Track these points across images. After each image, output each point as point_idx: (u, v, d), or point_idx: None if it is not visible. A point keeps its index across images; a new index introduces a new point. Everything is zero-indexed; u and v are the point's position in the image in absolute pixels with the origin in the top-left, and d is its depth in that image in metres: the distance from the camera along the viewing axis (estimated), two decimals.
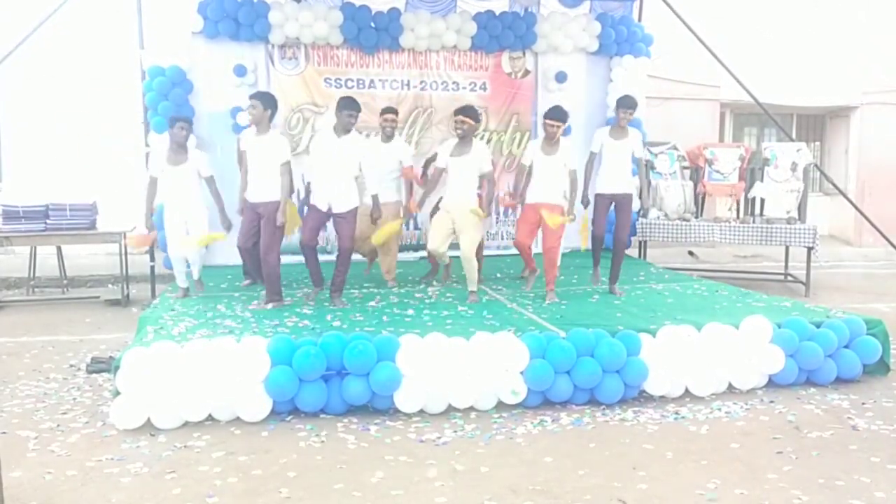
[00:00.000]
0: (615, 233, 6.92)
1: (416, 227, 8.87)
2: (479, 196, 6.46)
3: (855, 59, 12.71)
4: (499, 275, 7.58)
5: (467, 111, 6.20)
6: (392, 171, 6.95)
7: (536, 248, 6.74)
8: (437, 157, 6.46)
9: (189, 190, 6.28)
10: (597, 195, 6.75)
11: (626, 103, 6.61)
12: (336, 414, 4.54)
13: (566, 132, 7.64)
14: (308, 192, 6.68)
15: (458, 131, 6.15)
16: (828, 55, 12.53)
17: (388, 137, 7.02)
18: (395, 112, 7.14)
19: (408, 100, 8.83)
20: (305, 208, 6.52)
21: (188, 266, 6.63)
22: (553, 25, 9.06)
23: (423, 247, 7.90)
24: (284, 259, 6.23)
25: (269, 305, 6.00)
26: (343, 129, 6.00)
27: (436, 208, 6.72)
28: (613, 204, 6.74)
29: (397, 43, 8.71)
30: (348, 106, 5.98)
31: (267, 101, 5.97)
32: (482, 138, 8.89)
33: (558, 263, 6.57)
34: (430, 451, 4.03)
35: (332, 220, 6.16)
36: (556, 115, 6.18)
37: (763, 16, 12.12)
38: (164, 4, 8.02)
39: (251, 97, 6.05)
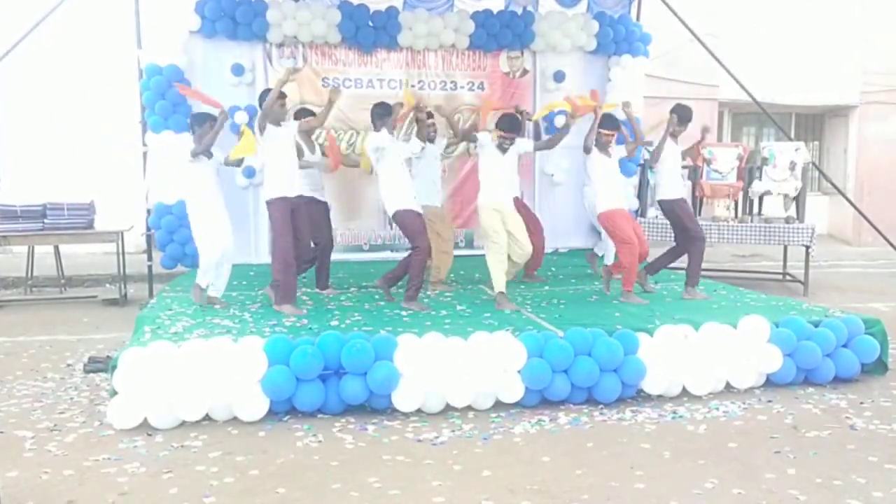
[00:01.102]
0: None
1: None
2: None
3: (854, 59, 12.73)
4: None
5: (511, 124, 6.13)
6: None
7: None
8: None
9: (218, 184, 6.06)
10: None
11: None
12: (333, 414, 4.53)
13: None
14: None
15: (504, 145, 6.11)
16: (826, 54, 12.54)
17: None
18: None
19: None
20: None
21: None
22: (551, 24, 9.05)
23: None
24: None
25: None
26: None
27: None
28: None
29: (395, 42, 8.70)
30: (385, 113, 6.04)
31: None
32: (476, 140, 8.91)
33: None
34: (428, 451, 4.02)
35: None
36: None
37: (761, 15, 12.13)
38: (162, 3, 8.02)
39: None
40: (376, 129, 6.03)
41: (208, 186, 5.96)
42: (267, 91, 5.97)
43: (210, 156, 5.96)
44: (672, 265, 7.05)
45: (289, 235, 5.83)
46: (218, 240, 5.98)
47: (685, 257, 6.73)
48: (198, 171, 5.91)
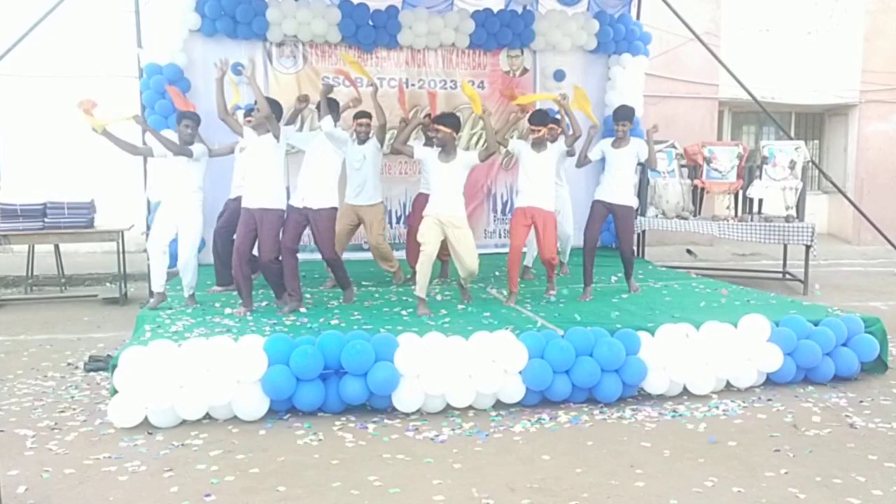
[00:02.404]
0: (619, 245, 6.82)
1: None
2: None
3: (853, 57, 12.72)
4: (497, 273, 7.56)
5: (444, 119, 5.92)
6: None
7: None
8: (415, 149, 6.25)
9: (188, 182, 6.05)
10: (594, 202, 6.69)
11: (626, 116, 6.47)
12: (334, 413, 4.54)
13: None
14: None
15: (435, 140, 5.99)
16: (826, 53, 12.54)
17: (362, 141, 6.82)
18: (369, 116, 6.85)
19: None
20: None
21: (169, 266, 6.26)
22: (551, 23, 9.06)
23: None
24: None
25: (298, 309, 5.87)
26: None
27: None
28: (612, 214, 6.63)
29: (395, 41, 8.71)
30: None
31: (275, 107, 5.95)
32: (480, 137, 8.93)
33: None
34: (428, 449, 4.03)
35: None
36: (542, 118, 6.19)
37: (761, 14, 12.13)
38: (162, 2, 8.02)
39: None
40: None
41: (171, 183, 6.13)
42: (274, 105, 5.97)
43: (189, 154, 6.03)
44: (678, 265, 7.01)
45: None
46: (156, 239, 6.05)
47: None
48: (168, 168, 6.14)
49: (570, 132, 6.39)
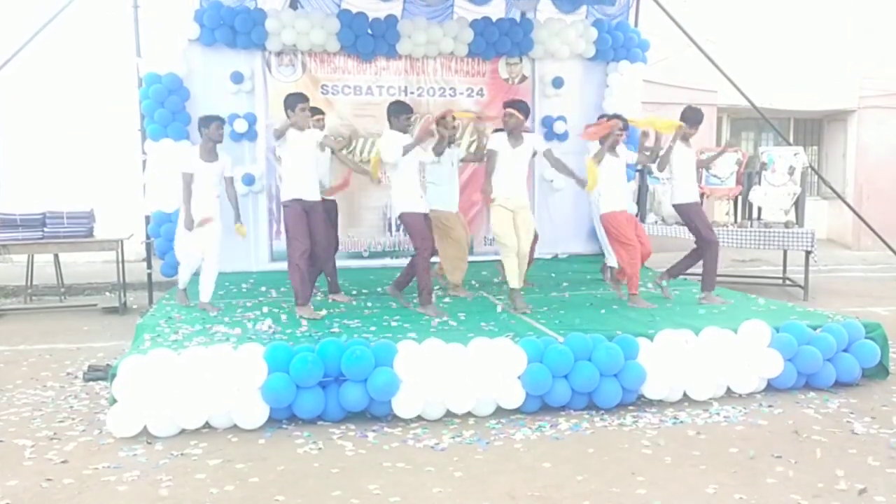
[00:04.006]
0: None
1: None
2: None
3: (852, 63, 12.75)
4: (496, 280, 7.57)
5: (516, 104, 6.13)
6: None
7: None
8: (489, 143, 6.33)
9: (215, 189, 6.21)
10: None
11: (696, 120, 6.57)
12: (334, 421, 4.53)
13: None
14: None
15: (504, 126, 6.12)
16: (825, 59, 12.57)
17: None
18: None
19: None
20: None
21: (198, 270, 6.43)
22: (550, 31, 9.08)
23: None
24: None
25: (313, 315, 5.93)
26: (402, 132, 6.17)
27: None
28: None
29: (394, 50, 8.73)
30: (402, 111, 6.14)
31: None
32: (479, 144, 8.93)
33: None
34: (429, 458, 4.01)
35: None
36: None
37: (759, 20, 12.16)
38: (161, 12, 8.05)
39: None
40: (392, 126, 6.14)
41: (197, 188, 6.11)
42: (295, 94, 5.99)
43: (213, 160, 6.12)
44: (685, 272, 7.01)
45: (299, 239, 5.92)
46: (193, 245, 6.18)
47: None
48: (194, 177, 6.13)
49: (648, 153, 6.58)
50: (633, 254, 6.27)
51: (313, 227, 6.02)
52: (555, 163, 6.32)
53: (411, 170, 6.11)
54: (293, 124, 5.84)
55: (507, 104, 6.21)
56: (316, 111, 6.72)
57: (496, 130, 6.52)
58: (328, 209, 6.70)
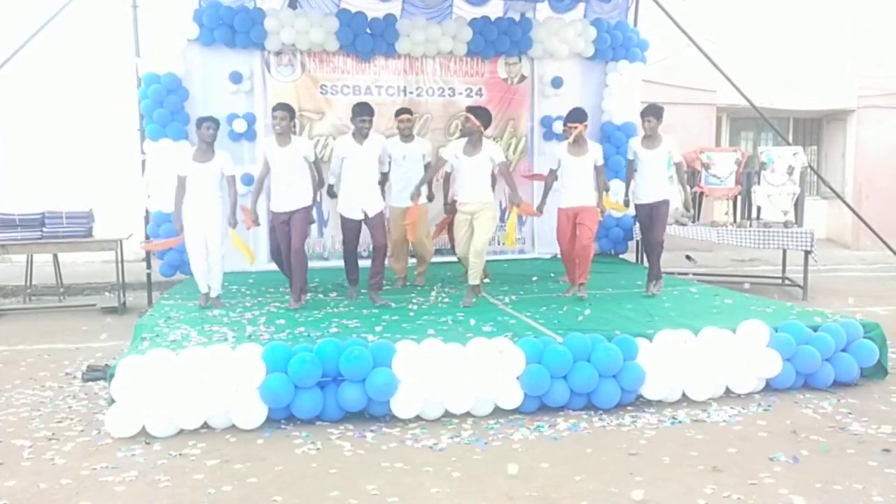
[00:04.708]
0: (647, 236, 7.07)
1: None
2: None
3: (851, 63, 12.75)
4: (486, 280, 7.56)
5: (475, 110, 6.24)
6: (415, 170, 7.05)
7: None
8: (441, 156, 6.61)
9: (212, 188, 6.24)
10: (636, 206, 6.97)
11: (648, 111, 6.66)
12: (332, 421, 4.53)
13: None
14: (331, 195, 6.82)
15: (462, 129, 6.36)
16: (824, 59, 12.57)
17: (405, 138, 7.13)
18: (410, 112, 7.25)
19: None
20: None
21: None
22: (549, 31, 9.08)
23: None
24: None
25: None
26: (361, 135, 6.28)
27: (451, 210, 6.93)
28: (651, 211, 6.82)
29: (393, 49, 8.72)
30: (361, 112, 6.24)
31: (292, 112, 6.25)
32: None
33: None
34: (427, 458, 4.01)
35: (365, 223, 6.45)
36: (577, 116, 6.41)
37: (758, 20, 12.16)
38: (160, 12, 8.04)
39: (275, 109, 6.13)
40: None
41: (191, 192, 6.19)
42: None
43: (208, 160, 6.16)
44: (677, 271, 7.05)
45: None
46: (194, 248, 6.28)
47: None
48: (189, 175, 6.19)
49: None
50: (562, 251, 6.74)
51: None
52: (507, 177, 6.32)
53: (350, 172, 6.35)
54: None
55: (468, 108, 6.35)
56: (404, 110, 7.17)
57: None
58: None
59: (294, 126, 6.59)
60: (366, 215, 6.39)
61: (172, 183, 6.29)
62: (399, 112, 7.19)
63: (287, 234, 6.26)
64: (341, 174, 6.42)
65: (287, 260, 6.37)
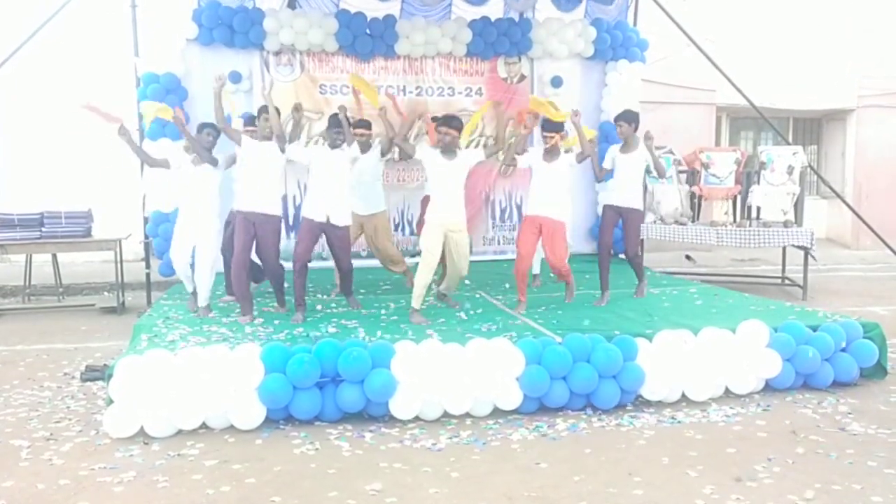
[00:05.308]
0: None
1: (411, 233, 8.87)
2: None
3: (850, 62, 12.74)
4: (490, 282, 7.56)
5: (449, 121, 5.90)
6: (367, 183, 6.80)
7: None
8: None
9: (206, 192, 5.99)
10: (604, 206, 6.80)
11: (618, 117, 6.54)
12: (331, 421, 4.52)
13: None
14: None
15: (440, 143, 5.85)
16: (823, 58, 12.56)
17: (364, 146, 6.65)
18: (368, 126, 6.75)
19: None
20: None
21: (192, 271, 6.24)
22: (548, 31, 9.07)
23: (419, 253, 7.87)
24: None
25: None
26: (332, 144, 6.00)
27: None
28: (621, 217, 6.61)
29: (392, 50, 8.71)
30: (331, 125, 6.01)
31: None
32: (478, 144, 8.92)
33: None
34: (426, 458, 4.00)
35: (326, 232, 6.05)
36: (553, 127, 6.19)
37: (758, 20, 12.15)
38: (159, 12, 8.03)
39: (262, 110, 5.95)
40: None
41: (185, 194, 6.09)
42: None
43: (213, 162, 6.01)
44: (677, 271, 7.01)
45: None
46: (178, 250, 6.09)
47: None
48: (184, 179, 6.09)
49: (580, 150, 6.34)
50: (517, 258, 6.23)
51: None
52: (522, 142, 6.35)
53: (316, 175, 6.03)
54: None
55: (440, 122, 5.95)
56: (361, 124, 6.69)
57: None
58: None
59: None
60: (328, 219, 5.98)
61: (173, 182, 6.21)
62: (356, 125, 6.59)
63: (244, 236, 5.82)
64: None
65: (235, 261, 5.97)
